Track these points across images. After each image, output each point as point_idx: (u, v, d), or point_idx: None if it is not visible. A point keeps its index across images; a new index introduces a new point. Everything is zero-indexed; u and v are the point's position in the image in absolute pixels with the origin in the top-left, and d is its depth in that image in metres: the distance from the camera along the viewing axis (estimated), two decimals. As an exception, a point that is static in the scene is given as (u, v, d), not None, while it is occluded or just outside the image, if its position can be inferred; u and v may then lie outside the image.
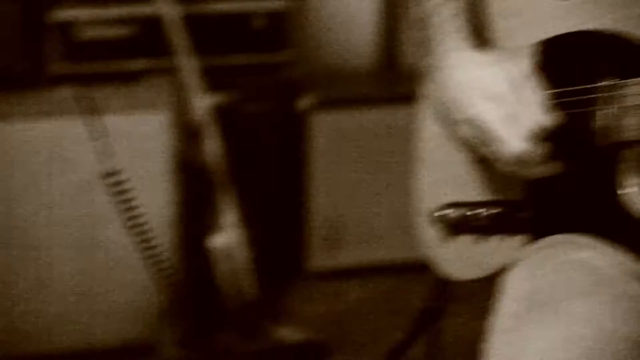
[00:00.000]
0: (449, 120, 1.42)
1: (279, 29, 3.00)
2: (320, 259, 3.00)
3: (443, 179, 1.55)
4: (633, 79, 1.27)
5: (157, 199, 2.60)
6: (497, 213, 1.45)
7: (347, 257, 3.01)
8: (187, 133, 2.71)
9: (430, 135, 1.58)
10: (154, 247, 2.54)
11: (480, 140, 1.37)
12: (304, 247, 3.01)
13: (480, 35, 1.50)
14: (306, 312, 2.85)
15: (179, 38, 2.70)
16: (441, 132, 1.50)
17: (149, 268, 2.55)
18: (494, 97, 1.35)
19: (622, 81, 1.29)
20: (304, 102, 2.99)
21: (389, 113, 2.98)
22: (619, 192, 1.29)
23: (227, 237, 2.69)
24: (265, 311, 2.74)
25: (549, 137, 1.35)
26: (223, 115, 2.78)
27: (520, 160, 1.34)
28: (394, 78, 3.26)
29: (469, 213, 1.47)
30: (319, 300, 2.91)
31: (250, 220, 2.73)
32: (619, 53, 1.31)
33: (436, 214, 1.51)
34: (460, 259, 1.53)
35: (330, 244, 3.00)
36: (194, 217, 2.71)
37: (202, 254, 2.68)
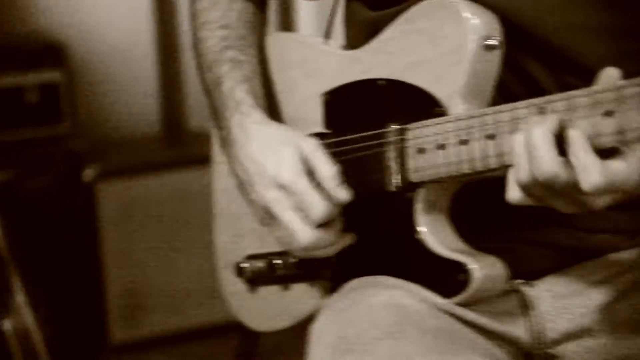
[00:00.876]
0: (244, 195, 1.44)
1: (54, 102, 2.95)
2: (122, 330, 2.94)
3: (243, 231, 1.56)
4: (415, 123, 1.32)
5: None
6: (300, 261, 1.46)
7: (151, 326, 2.97)
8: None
9: (226, 189, 1.58)
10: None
11: (273, 224, 1.40)
12: (104, 320, 2.94)
13: (267, 88, 1.53)
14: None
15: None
16: (237, 186, 1.50)
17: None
18: (283, 186, 1.37)
19: (408, 125, 1.33)
20: (89, 173, 2.94)
21: (179, 176, 2.97)
22: (416, 231, 1.33)
23: (19, 318, 2.59)
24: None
25: (341, 212, 1.38)
26: (4, 193, 2.69)
27: (310, 248, 1.37)
28: (181, 141, 3.26)
29: (271, 263, 1.48)
30: (124, 374, 2.85)
31: (45, 299, 2.64)
32: (402, 99, 1.36)
33: (239, 266, 1.51)
34: (267, 309, 1.53)
35: (131, 314, 2.94)
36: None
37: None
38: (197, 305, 2.93)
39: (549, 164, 1.12)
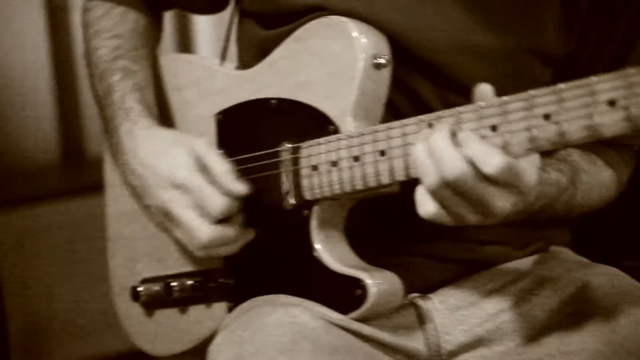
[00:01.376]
0: (142, 204, 1.43)
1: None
2: (25, 362, 2.87)
3: (138, 255, 1.55)
4: (308, 141, 1.34)
5: None
6: (197, 283, 1.46)
7: (54, 356, 2.91)
8: None
9: (120, 212, 1.57)
10: None
11: (172, 226, 1.40)
12: (7, 352, 2.87)
13: (162, 108, 1.52)
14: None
15: None
16: (132, 208, 1.49)
17: None
18: (179, 185, 1.38)
19: (301, 144, 1.35)
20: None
21: (79, 203, 2.93)
22: (312, 248, 1.34)
23: None
24: None
25: (241, 208, 1.39)
26: None
27: (211, 245, 1.37)
28: (80, 168, 3.22)
29: (168, 286, 1.47)
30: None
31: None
32: (295, 118, 1.37)
33: (135, 290, 1.50)
34: (165, 333, 1.52)
35: (34, 346, 2.88)
36: None
37: None
38: (102, 334, 2.88)
39: (455, 161, 1.13)
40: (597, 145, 1.46)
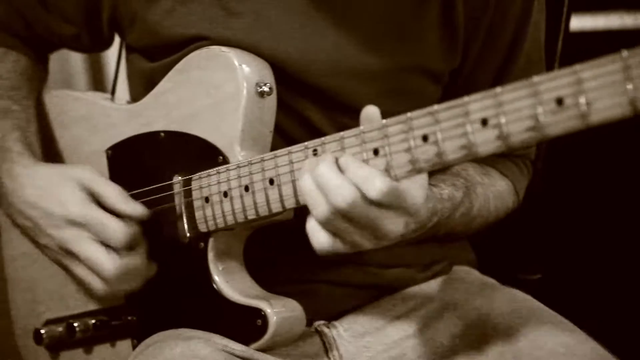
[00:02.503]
0: (36, 243, 1.41)
1: None
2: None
3: (40, 296, 1.52)
4: (199, 173, 1.32)
5: None
6: (99, 322, 1.43)
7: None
8: None
9: (17, 255, 1.54)
10: None
11: (73, 263, 1.37)
12: None
13: (51, 145, 1.50)
14: None
15: None
16: (29, 249, 1.47)
17: None
18: (75, 223, 1.35)
19: (192, 175, 1.33)
20: None
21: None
22: (212, 280, 1.32)
23: None
24: None
25: (141, 235, 1.37)
26: None
27: (118, 278, 1.34)
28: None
29: (70, 326, 1.44)
30: None
31: None
32: (185, 150, 1.35)
33: (37, 332, 1.47)
34: (73, 375, 1.50)
35: None
36: None
37: None
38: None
39: (344, 189, 1.11)
40: (492, 156, 1.46)
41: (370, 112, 1.15)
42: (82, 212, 1.35)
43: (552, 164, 1.69)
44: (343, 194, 1.11)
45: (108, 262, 1.34)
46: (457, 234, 1.40)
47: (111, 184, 1.37)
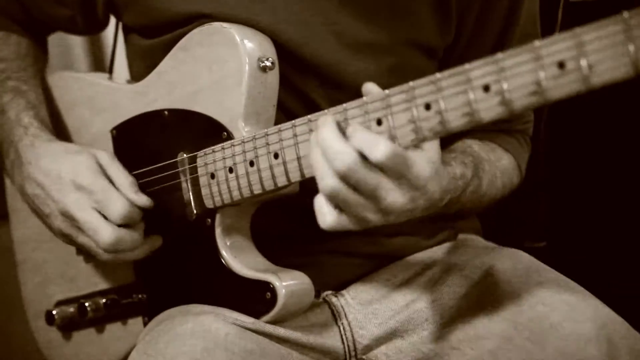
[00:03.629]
0: (42, 214, 1.42)
1: None
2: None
3: (50, 278, 1.53)
4: (204, 150, 1.33)
5: None
6: (110, 301, 1.45)
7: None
8: None
9: (27, 237, 1.56)
10: None
11: (75, 231, 1.38)
12: None
13: (56, 127, 1.51)
14: None
15: None
16: (39, 232, 1.48)
17: None
18: (81, 187, 1.36)
19: (198, 152, 1.34)
20: None
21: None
22: (220, 255, 1.33)
23: None
24: None
25: (144, 217, 1.38)
26: None
27: (115, 247, 1.36)
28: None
29: (82, 306, 1.46)
30: None
31: None
32: (189, 127, 1.36)
33: (49, 313, 1.49)
34: (84, 354, 1.51)
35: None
36: None
37: None
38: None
39: (344, 153, 1.11)
40: (493, 133, 1.47)
41: (369, 88, 1.16)
42: (89, 178, 1.36)
43: (555, 132, 1.71)
44: (343, 158, 1.11)
45: (103, 230, 1.35)
46: (467, 211, 1.42)
47: (126, 173, 1.38)
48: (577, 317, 1.23)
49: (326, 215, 1.16)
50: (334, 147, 1.13)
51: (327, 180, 1.14)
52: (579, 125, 1.81)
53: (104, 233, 1.35)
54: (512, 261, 1.36)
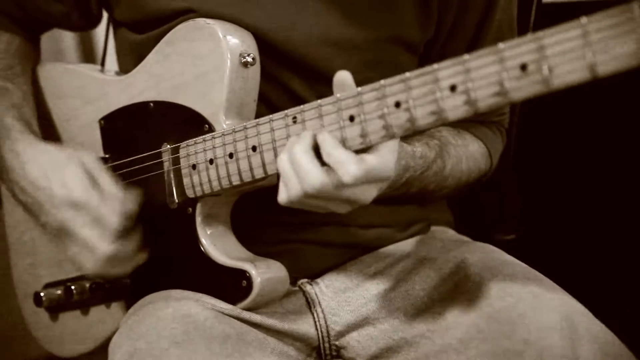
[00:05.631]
0: (36, 219, 1.45)
1: None
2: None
3: (40, 261, 1.58)
4: (186, 141, 1.38)
5: None
6: (96, 284, 1.50)
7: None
8: None
9: (16, 222, 1.60)
10: None
11: (68, 243, 1.41)
12: None
13: (46, 116, 1.55)
14: None
15: None
16: (29, 217, 1.52)
17: None
18: (76, 205, 1.39)
19: (180, 144, 1.39)
20: None
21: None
22: (200, 243, 1.39)
23: None
24: None
25: (135, 229, 1.42)
26: None
27: (110, 262, 1.39)
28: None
29: (68, 289, 1.50)
30: None
31: None
32: (173, 119, 1.41)
33: (37, 295, 1.53)
34: (69, 335, 1.56)
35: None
36: None
37: None
38: (22, 342, 2.85)
39: (315, 176, 1.17)
40: (469, 122, 1.51)
41: (342, 77, 1.20)
42: (83, 195, 1.39)
43: (526, 126, 1.74)
44: (313, 182, 1.18)
45: (101, 246, 1.39)
46: (430, 192, 1.46)
47: (110, 175, 1.42)
48: (542, 308, 1.27)
49: (282, 193, 1.22)
50: (304, 168, 1.18)
51: (292, 190, 1.20)
52: (549, 119, 1.84)
53: (102, 249, 1.38)
54: (482, 255, 1.41)
